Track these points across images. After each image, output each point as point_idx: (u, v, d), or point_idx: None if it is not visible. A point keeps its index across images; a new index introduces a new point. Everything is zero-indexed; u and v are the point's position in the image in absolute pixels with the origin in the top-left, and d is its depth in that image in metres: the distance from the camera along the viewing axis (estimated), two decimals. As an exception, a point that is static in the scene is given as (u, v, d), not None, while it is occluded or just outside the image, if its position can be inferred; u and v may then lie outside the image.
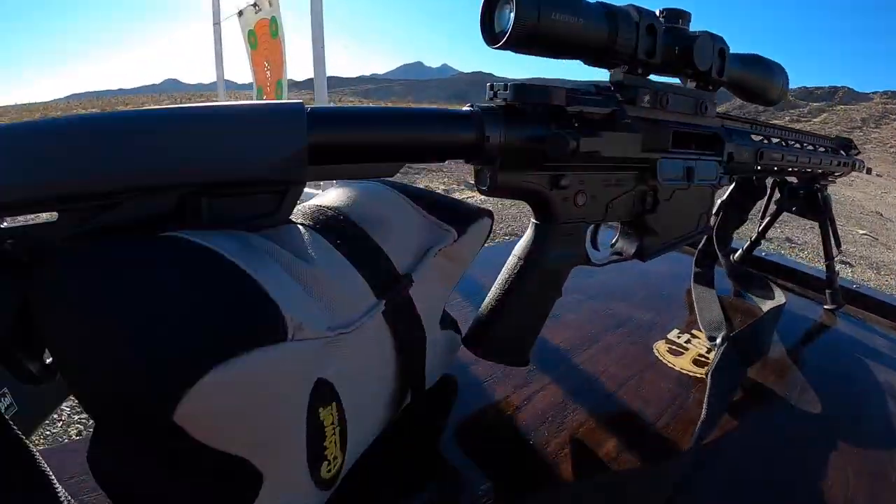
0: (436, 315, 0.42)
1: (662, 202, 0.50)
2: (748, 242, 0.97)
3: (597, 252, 0.49)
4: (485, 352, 0.45)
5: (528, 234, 0.45)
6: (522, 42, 0.36)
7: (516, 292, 0.44)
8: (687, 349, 0.61)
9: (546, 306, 0.46)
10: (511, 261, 0.45)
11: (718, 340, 0.57)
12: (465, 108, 0.37)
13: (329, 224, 0.35)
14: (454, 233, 0.40)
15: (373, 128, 0.31)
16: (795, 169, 0.73)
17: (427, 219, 0.40)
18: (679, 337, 0.64)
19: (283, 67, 2.44)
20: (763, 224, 0.95)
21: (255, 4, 2.43)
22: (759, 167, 0.63)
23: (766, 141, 0.67)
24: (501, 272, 0.45)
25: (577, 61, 0.42)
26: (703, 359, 0.59)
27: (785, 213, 0.91)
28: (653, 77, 0.47)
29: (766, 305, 0.74)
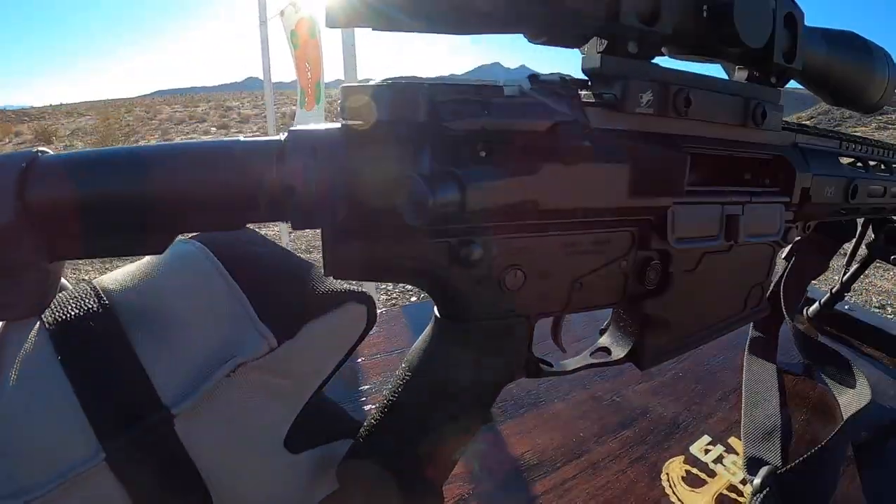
0: (259, 444, 0.30)
1: (679, 276, 0.32)
2: (828, 294, 0.75)
3: (561, 355, 0.32)
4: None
5: (427, 331, 0.28)
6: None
7: (406, 419, 0.28)
8: (713, 475, 0.42)
9: (460, 438, 0.29)
10: (400, 370, 0.28)
11: (758, 480, 0.37)
12: (280, 135, 0.22)
13: (79, 320, 0.27)
14: (269, 340, 0.28)
15: (109, 180, 0.21)
16: None
17: (240, 309, 0.28)
18: (707, 451, 0.44)
19: (320, 68, 2.36)
20: (849, 273, 0.72)
21: (293, 3, 2.36)
22: (848, 208, 0.43)
23: (861, 166, 0.46)
24: (391, 382, 0.29)
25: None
26: (733, 497, 0.40)
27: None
28: (665, 62, 0.30)
29: (843, 398, 0.53)
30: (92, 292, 0.28)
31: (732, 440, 0.46)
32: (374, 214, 0.22)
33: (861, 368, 0.63)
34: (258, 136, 0.23)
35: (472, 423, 0.29)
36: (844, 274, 0.73)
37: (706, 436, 0.46)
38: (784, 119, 0.37)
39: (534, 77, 0.26)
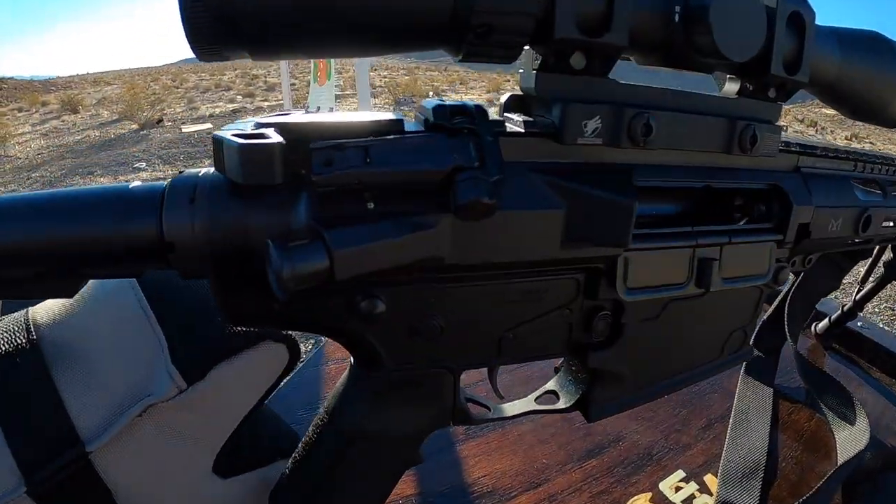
0: (182, 474, 0.31)
1: (634, 326, 0.28)
2: (839, 312, 0.69)
3: (497, 401, 0.29)
4: None
5: (344, 375, 0.26)
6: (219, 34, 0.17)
7: (324, 464, 0.25)
8: (682, 518, 0.39)
9: (382, 482, 0.27)
10: (319, 415, 0.26)
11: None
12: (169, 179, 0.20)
13: (7, 356, 0.28)
14: (178, 382, 0.28)
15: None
16: None
17: (155, 349, 0.29)
18: (678, 489, 0.41)
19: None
20: (863, 292, 0.67)
21: None
22: (858, 240, 0.38)
23: (877, 191, 0.40)
24: (312, 424, 0.26)
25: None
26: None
27: None
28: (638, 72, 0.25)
29: (841, 434, 0.49)
30: (24, 325, 0.29)
31: (708, 478, 0.42)
32: (259, 271, 0.19)
33: (867, 395, 0.59)
34: (186, 167, 0.23)
35: (393, 468, 0.26)
36: (858, 292, 0.68)
37: (680, 471, 0.43)
38: (784, 138, 0.32)
39: (440, 108, 0.21)
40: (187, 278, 0.21)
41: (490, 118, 0.22)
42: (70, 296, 0.21)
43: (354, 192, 0.19)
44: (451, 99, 0.23)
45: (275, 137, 0.18)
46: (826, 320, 0.70)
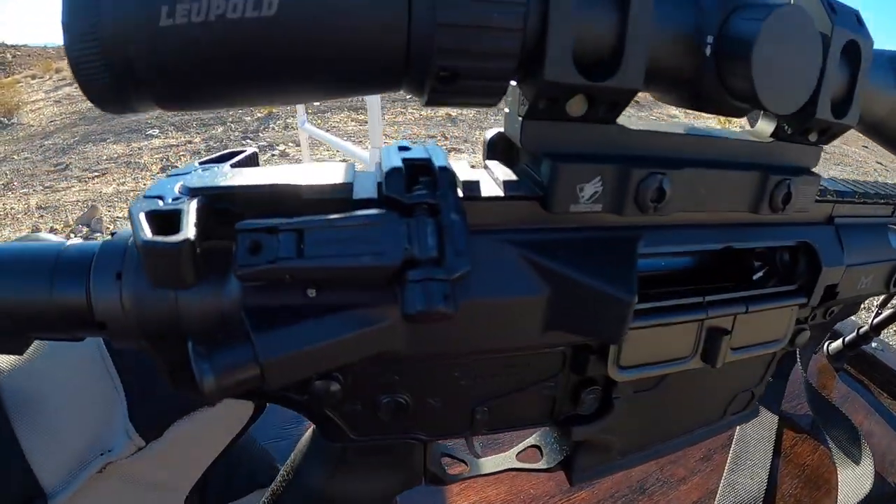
0: None
1: (627, 399, 0.25)
2: (854, 334, 0.66)
3: (469, 459, 0.27)
4: None
5: (307, 435, 0.24)
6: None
7: None
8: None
9: None
10: (281, 473, 0.24)
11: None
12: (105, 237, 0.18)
13: None
14: (136, 440, 0.28)
15: None
16: None
17: (115, 405, 0.28)
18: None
19: None
20: (881, 317, 0.64)
21: None
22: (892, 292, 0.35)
23: None
24: (274, 483, 0.25)
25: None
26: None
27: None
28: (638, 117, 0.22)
29: (844, 473, 0.46)
30: None
31: (703, 515, 0.41)
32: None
33: (874, 426, 0.57)
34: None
35: None
36: (876, 316, 0.65)
37: (674, 509, 0.41)
38: (824, 185, 0.27)
39: (395, 172, 0.17)
40: (118, 347, 0.19)
41: (460, 180, 0.18)
42: (19, 353, 0.20)
43: (292, 282, 0.16)
44: (420, 145, 0.19)
45: (188, 229, 0.15)
46: (839, 341, 0.67)
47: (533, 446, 0.28)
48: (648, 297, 0.22)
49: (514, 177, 0.19)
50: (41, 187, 3.25)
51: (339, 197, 0.17)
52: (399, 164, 0.17)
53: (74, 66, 0.13)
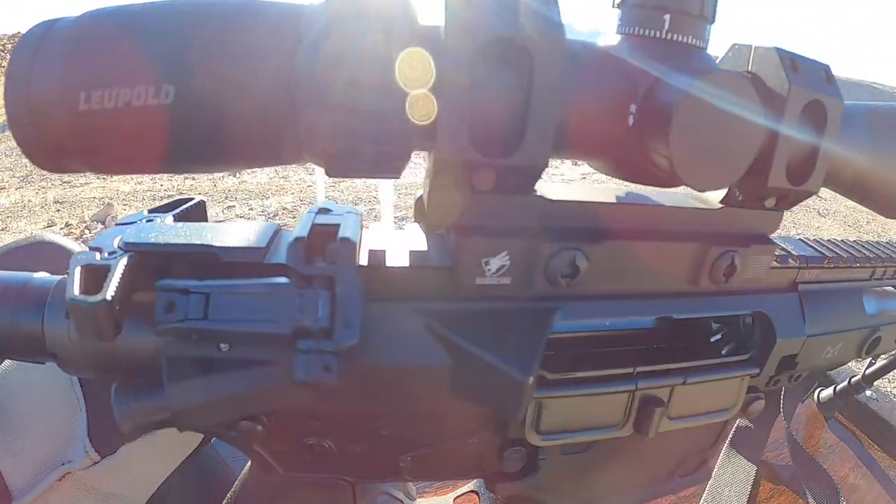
0: None
1: (556, 460, 0.24)
2: (846, 383, 0.65)
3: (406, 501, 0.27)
4: None
5: (247, 468, 0.24)
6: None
7: None
8: None
9: None
10: (225, 501, 0.25)
11: None
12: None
13: None
14: (91, 455, 0.29)
15: None
16: None
17: (77, 420, 0.30)
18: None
19: None
20: (875, 367, 0.62)
21: None
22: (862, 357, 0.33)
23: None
24: None
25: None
26: None
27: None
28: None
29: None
30: None
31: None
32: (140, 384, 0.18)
33: (860, 480, 0.55)
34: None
35: None
36: (869, 366, 0.63)
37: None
38: (783, 243, 0.26)
39: (298, 241, 0.18)
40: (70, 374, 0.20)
41: (369, 247, 0.19)
42: None
43: (206, 337, 0.17)
44: (339, 206, 0.19)
45: (109, 290, 0.16)
46: (830, 389, 0.66)
47: (471, 491, 0.28)
48: (575, 366, 0.22)
49: (424, 246, 0.19)
50: (59, 182, 3.32)
51: (251, 260, 0.18)
52: (305, 232, 0.18)
53: (16, 136, 0.15)
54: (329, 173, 0.16)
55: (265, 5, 0.16)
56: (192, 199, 0.23)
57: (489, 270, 0.18)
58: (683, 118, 0.16)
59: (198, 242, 0.18)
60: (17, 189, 3.20)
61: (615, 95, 0.18)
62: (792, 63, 0.19)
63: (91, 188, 3.25)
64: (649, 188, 0.21)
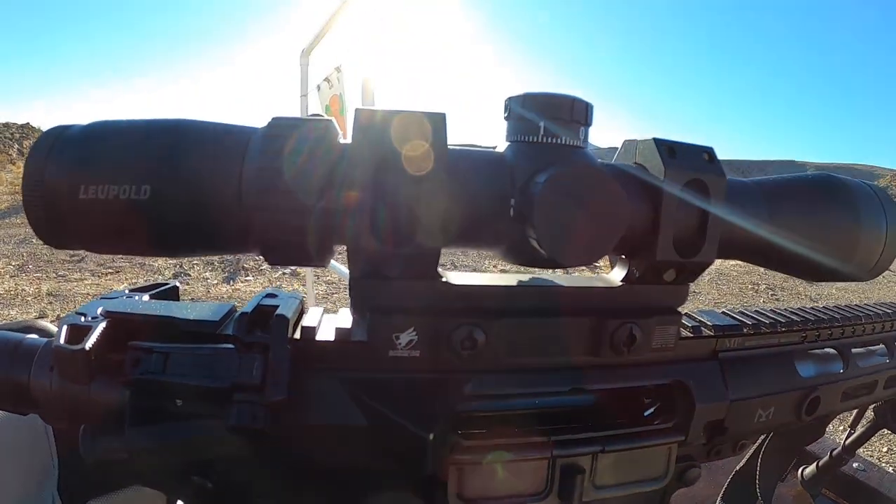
0: None
1: None
2: (827, 457, 0.65)
3: None
4: None
5: None
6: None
7: None
8: None
9: None
10: None
11: None
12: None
13: None
14: None
15: None
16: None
17: (49, 476, 0.32)
18: None
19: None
20: (852, 437, 0.63)
21: (327, 79, 2.43)
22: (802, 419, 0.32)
23: (836, 360, 0.34)
24: None
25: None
26: None
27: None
28: None
29: None
30: None
31: None
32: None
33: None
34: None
35: None
36: (848, 437, 0.63)
37: None
38: (704, 321, 0.28)
39: (242, 316, 0.21)
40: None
41: (295, 326, 0.22)
42: None
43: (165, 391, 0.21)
44: (284, 293, 0.23)
45: (88, 343, 0.21)
46: (813, 465, 0.65)
47: None
48: (494, 434, 0.24)
49: (349, 324, 0.23)
50: (55, 275, 3.35)
51: (206, 331, 0.23)
52: (249, 309, 0.22)
53: (28, 216, 0.20)
54: (268, 262, 0.21)
55: (223, 129, 0.21)
56: (167, 283, 0.27)
57: (400, 344, 0.22)
58: (544, 206, 0.20)
59: (164, 314, 0.23)
60: (11, 277, 3.21)
61: (497, 192, 0.21)
62: (669, 150, 0.22)
63: (85, 284, 3.27)
64: (548, 276, 0.25)
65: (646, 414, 0.28)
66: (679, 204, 0.22)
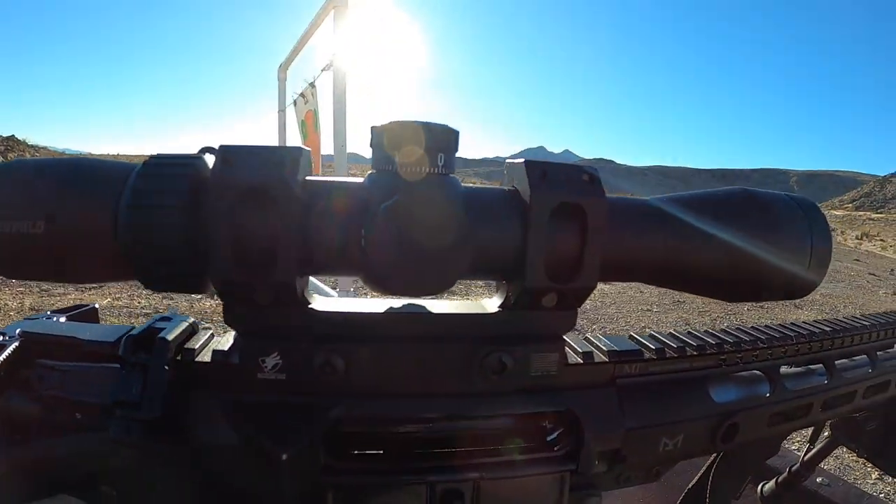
0: None
1: None
2: (786, 473, 0.65)
3: None
4: None
5: None
6: None
7: None
8: None
9: None
10: None
11: None
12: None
13: None
14: None
15: None
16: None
17: None
18: None
19: (319, 159, 2.44)
20: (811, 453, 0.63)
21: (302, 95, 2.45)
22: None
23: (762, 382, 0.33)
24: None
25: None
26: None
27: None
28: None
29: None
30: None
31: None
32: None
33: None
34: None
35: None
36: (807, 453, 0.63)
37: None
38: (600, 346, 0.27)
39: (129, 338, 0.23)
40: None
41: (177, 346, 0.23)
42: None
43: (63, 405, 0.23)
44: (178, 316, 0.25)
45: None
46: (773, 482, 0.65)
47: None
48: (366, 457, 0.24)
49: (227, 347, 0.24)
50: (38, 289, 3.30)
51: (104, 351, 0.24)
52: (137, 332, 0.23)
53: None
54: (149, 289, 0.22)
55: (108, 167, 0.22)
56: (87, 305, 0.30)
57: (266, 367, 0.23)
58: (381, 234, 0.20)
59: (69, 335, 0.25)
60: (-6, 291, 3.18)
61: (353, 222, 0.21)
62: (541, 173, 0.22)
63: (68, 299, 3.23)
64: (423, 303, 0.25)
65: (548, 440, 0.27)
66: (548, 228, 0.22)
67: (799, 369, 0.37)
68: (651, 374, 0.29)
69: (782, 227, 0.25)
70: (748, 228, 0.25)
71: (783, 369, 0.34)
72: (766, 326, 0.36)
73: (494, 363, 0.23)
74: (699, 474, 0.56)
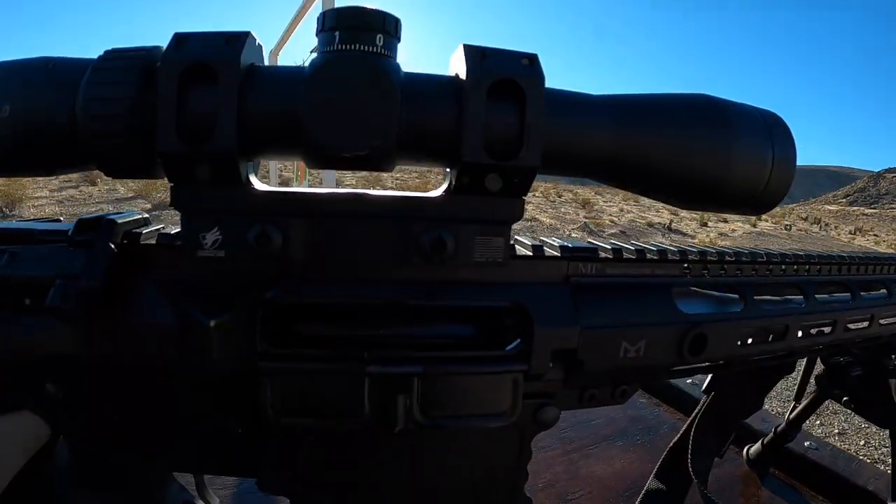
0: None
1: (308, 453, 0.26)
2: (772, 434, 0.62)
3: None
4: None
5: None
6: None
7: None
8: None
9: None
10: None
11: None
12: None
13: None
14: None
15: None
16: (829, 346, 0.39)
17: None
18: None
19: None
20: (796, 411, 0.60)
21: None
22: (693, 365, 0.31)
23: (733, 296, 0.32)
24: None
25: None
26: None
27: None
28: None
29: None
30: None
31: None
32: None
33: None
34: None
35: None
36: (792, 411, 0.61)
37: None
38: (553, 244, 0.27)
39: (80, 222, 0.24)
40: None
41: (125, 230, 0.24)
42: None
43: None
44: (132, 211, 0.26)
45: None
46: (759, 444, 0.63)
47: None
48: (300, 342, 0.24)
49: (168, 232, 0.25)
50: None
51: (56, 239, 0.25)
52: (88, 217, 0.24)
53: None
54: (106, 175, 0.23)
55: (71, 62, 0.23)
56: (56, 219, 0.30)
57: (206, 244, 0.22)
58: (310, 94, 0.21)
59: (24, 228, 0.25)
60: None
61: (286, 95, 0.21)
62: (480, 54, 0.22)
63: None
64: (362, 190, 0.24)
65: (496, 337, 0.25)
66: (486, 104, 0.21)
67: (776, 298, 0.35)
68: (608, 277, 0.27)
69: (741, 131, 0.24)
70: (705, 128, 0.24)
71: (758, 296, 0.33)
72: (737, 248, 0.35)
73: (434, 240, 0.22)
74: (681, 431, 0.54)
